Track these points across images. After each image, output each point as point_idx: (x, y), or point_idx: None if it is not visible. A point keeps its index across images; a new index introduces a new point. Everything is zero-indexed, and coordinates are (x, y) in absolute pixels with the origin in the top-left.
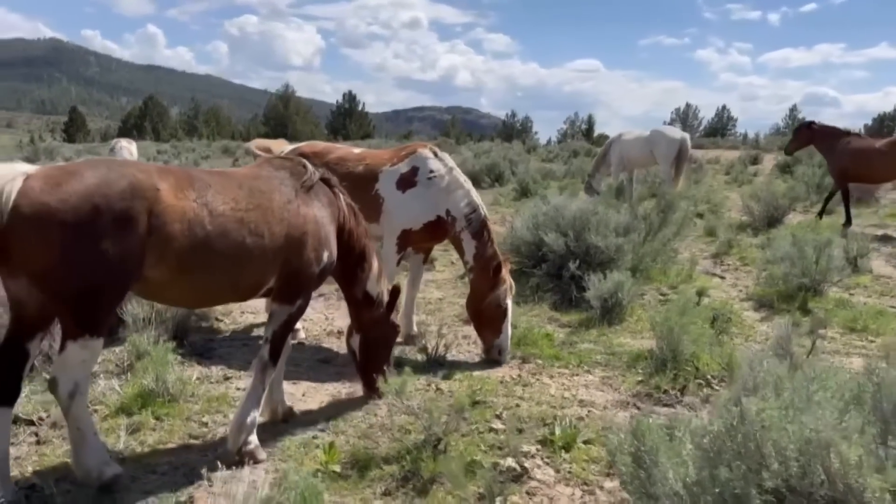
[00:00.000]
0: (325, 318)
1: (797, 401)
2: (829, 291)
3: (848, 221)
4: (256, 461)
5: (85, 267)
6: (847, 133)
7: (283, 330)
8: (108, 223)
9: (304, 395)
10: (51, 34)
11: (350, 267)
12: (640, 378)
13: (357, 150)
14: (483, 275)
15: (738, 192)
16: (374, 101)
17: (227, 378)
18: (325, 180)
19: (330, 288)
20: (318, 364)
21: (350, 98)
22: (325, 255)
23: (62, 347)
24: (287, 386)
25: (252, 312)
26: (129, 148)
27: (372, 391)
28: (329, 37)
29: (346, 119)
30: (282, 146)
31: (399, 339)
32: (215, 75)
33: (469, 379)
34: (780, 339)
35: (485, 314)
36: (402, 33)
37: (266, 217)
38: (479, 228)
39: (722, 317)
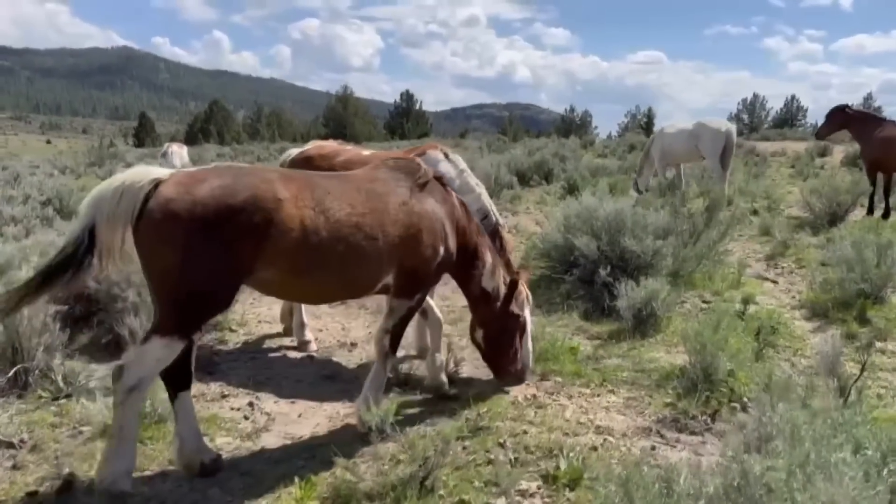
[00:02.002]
0: (342, 329)
1: (814, 458)
2: (892, 298)
3: (886, 213)
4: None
5: (201, 271)
6: (882, 120)
7: (402, 322)
8: (229, 231)
9: (300, 415)
10: (123, 42)
11: (464, 264)
12: (668, 400)
13: (366, 153)
14: None
15: (801, 186)
16: (432, 100)
17: (224, 396)
18: (438, 178)
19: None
20: (321, 380)
21: (407, 97)
22: (442, 250)
23: (146, 339)
24: (284, 405)
25: (268, 322)
26: (179, 153)
27: (505, 378)
28: (388, 37)
29: (404, 119)
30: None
31: (413, 353)
32: (279, 78)
33: (478, 399)
34: (825, 358)
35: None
36: (461, 31)
37: (381, 219)
38: (491, 236)
39: (767, 328)
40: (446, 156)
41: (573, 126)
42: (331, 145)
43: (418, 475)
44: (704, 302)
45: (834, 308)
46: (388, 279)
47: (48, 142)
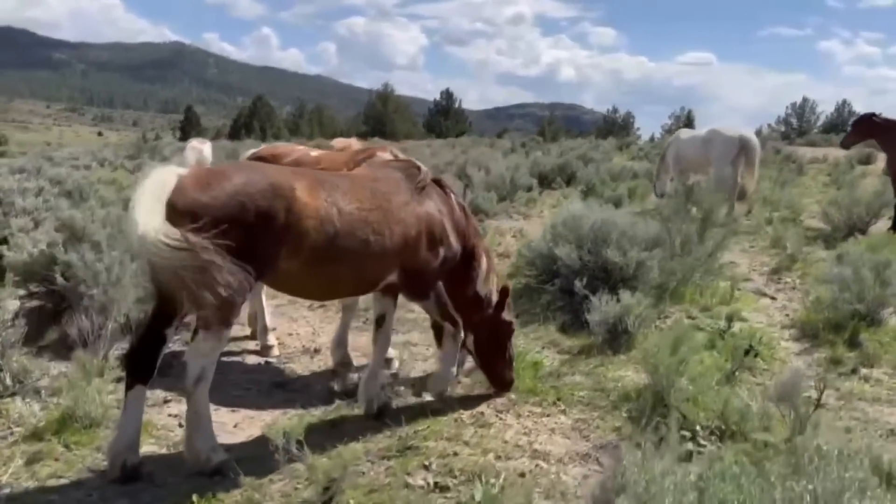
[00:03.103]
0: (313, 333)
1: None
2: (891, 321)
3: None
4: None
5: (231, 263)
6: None
7: (444, 314)
8: (252, 221)
9: (236, 425)
10: (174, 38)
11: (461, 266)
12: (618, 424)
13: (314, 153)
14: None
15: (823, 196)
16: (475, 99)
17: (166, 401)
18: (436, 181)
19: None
20: (271, 388)
21: (447, 96)
22: (442, 251)
23: (194, 335)
24: (224, 413)
25: (239, 324)
26: (199, 148)
27: (500, 386)
28: (433, 35)
29: (443, 117)
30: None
31: (332, 364)
32: (324, 75)
33: (418, 416)
34: (784, 386)
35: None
36: (506, 29)
37: (386, 217)
38: None
39: (743, 349)
40: (396, 158)
41: (615, 127)
42: (283, 146)
43: (320, 499)
44: (689, 318)
45: (825, 329)
46: (392, 277)
47: (100, 133)
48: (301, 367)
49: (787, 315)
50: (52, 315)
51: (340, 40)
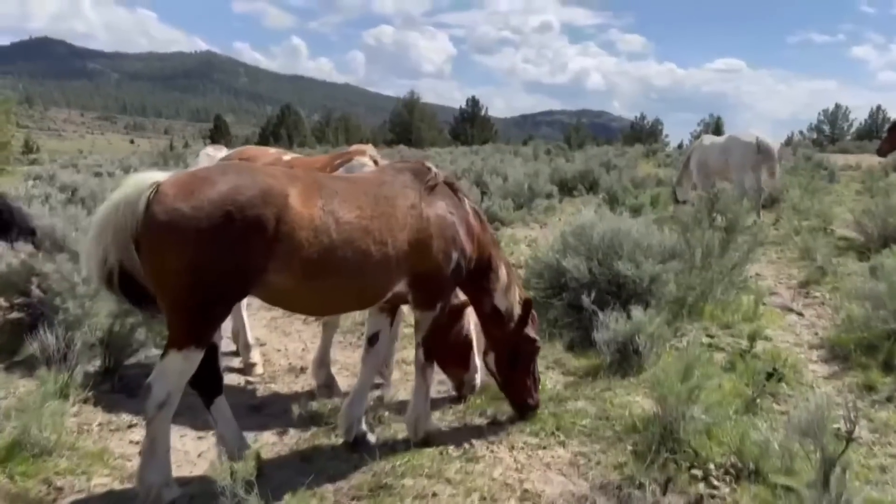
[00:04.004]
0: (302, 350)
1: None
2: None
3: None
4: (438, 443)
5: (211, 273)
6: None
7: (432, 335)
8: (237, 231)
9: (200, 455)
10: (206, 47)
11: (477, 277)
12: (622, 459)
13: (286, 157)
14: None
15: (856, 204)
16: (502, 107)
17: (130, 426)
18: (448, 183)
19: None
20: (246, 411)
21: (473, 103)
22: (455, 255)
23: (164, 355)
24: (189, 441)
25: (226, 338)
26: (213, 155)
27: (522, 411)
28: (460, 44)
29: (469, 125)
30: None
31: (314, 385)
32: (353, 84)
33: (399, 448)
34: (805, 420)
35: (447, 349)
36: (533, 38)
37: (390, 224)
38: None
39: (766, 372)
40: (375, 162)
41: (643, 134)
42: (254, 149)
43: None
44: (709, 336)
45: (857, 350)
46: (400, 287)
47: (131, 141)
48: (283, 387)
49: (816, 333)
50: (30, 329)
51: (369, 49)
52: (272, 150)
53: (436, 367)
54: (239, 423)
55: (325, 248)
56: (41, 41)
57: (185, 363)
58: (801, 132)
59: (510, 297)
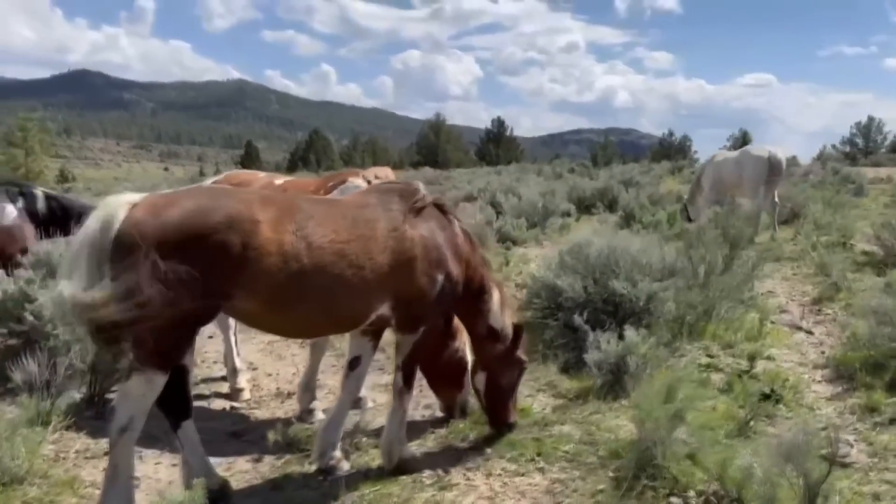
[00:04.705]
0: (294, 374)
1: None
2: None
3: None
4: (413, 470)
5: (171, 298)
6: None
7: (412, 358)
8: (200, 255)
9: (171, 482)
10: (238, 76)
11: (469, 299)
12: (601, 486)
13: (278, 181)
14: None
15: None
16: (530, 126)
17: (106, 453)
18: (437, 205)
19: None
20: (225, 438)
21: (499, 124)
22: (441, 278)
23: (127, 377)
24: (163, 468)
25: (219, 363)
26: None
27: (502, 430)
28: (486, 65)
29: (494, 145)
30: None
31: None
32: (381, 108)
33: (371, 475)
34: (788, 447)
35: (442, 370)
36: (559, 57)
37: (368, 247)
38: None
39: (764, 393)
40: (369, 183)
41: (671, 151)
42: (244, 174)
43: None
44: (709, 356)
45: (863, 370)
46: (383, 310)
47: (166, 169)
48: (267, 412)
49: (823, 353)
50: (15, 356)
51: (396, 74)
52: (262, 174)
53: (415, 391)
54: (216, 448)
55: (294, 274)
56: (80, 73)
57: (147, 386)
58: (833, 145)
59: (505, 317)
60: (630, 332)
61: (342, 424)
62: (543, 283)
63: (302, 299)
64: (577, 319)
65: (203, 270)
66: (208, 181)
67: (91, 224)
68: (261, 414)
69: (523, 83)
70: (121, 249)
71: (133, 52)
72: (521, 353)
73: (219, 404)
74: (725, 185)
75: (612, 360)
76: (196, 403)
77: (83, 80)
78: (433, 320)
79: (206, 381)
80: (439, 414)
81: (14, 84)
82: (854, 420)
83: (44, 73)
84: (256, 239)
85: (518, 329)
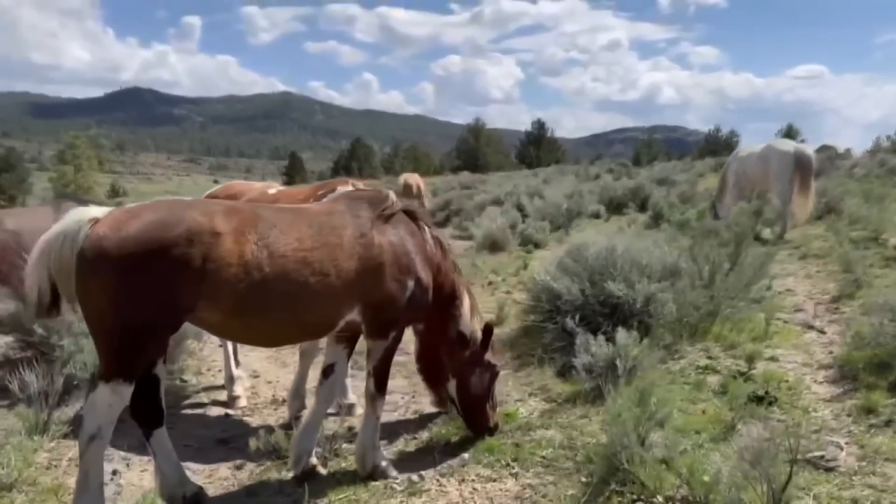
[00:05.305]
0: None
1: None
2: None
3: None
4: (388, 478)
5: (134, 311)
6: None
7: (383, 364)
8: (162, 268)
9: (152, 490)
10: (283, 88)
11: (440, 304)
12: (571, 492)
13: (271, 191)
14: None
15: None
16: (573, 127)
17: None
18: (407, 212)
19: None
20: (213, 444)
21: (539, 126)
22: (411, 284)
23: (94, 386)
24: (148, 476)
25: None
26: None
27: (482, 435)
28: (528, 67)
29: (534, 147)
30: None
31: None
32: (422, 114)
33: (344, 481)
34: (747, 450)
35: (439, 361)
36: (601, 56)
37: (333, 254)
38: None
39: (755, 394)
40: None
41: (718, 146)
42: (239, 185)
43: None
44: (709, 358)
45: (866, 370)
46: (353, 316)
47: (216, 181)
48: (259, 420)
49: (831, 352)
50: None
51: (437, 80)
52: (257, 185)
53: (407, 396)
54: (202, 455)
55: (257, 284)
56: (131, 91)
57: (113, 396)
58: (888, 136)
59: (474, 322)
60: (621, 335)
61: (317, 431)
62: (543, 286)
63: (266, 308)
64: (569, 322)
65: (164, 283)
66: (203, 194)
67: (52, 237)
68: (253, 421)
69: (565, 83)
70: (82, 263)
71: (182, 69)
72: (491, 358)
73: (215, 412)
74: (750, 180)
75: (602, 363)
76: (192, 411)
77: (135, 98)
78: (404, 326)
79: (206, 389)
80: (429, 410)
81: (71, 103)
82: (849, 422)
83: (98, 92)
84: (217, 251)
85: (487, 331)
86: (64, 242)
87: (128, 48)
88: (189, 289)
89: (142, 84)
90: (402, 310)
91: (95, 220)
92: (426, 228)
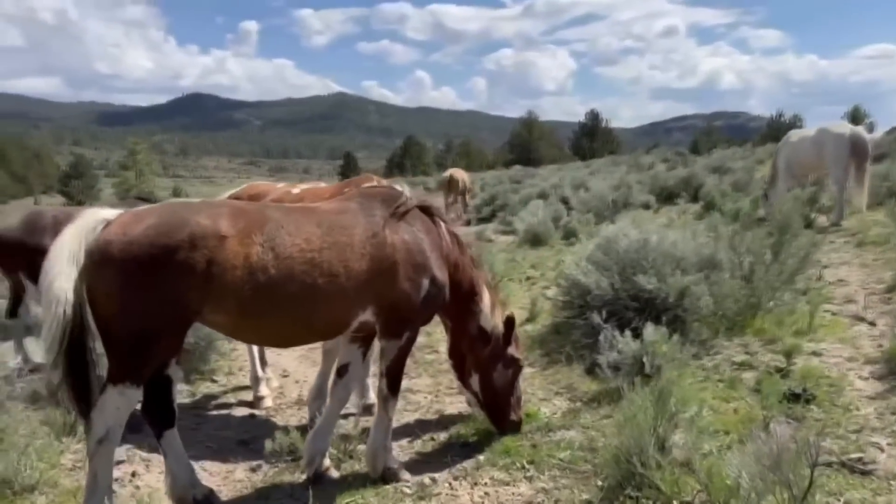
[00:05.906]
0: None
1: None
2: None
3: None
4: (399, 481)
5: (141, 314)
6: None
7: (396, 363)
8: (167, 272)
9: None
10: (338, 89)
11: (460, 301)
12: (586, 497)
13: (296, 190)
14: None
15: None
16: (630, 116)
17: (118, 462)
18: (423, 208)
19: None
20: (234, 446)
21: (593, 116)
22: (426, 283)
23: (103, 390)
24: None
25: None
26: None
27: (506, 431)
28: (581, 58)
29: (588, 138)
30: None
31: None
32: (475, 109)
33: (355, 484)
34: (766, 453)
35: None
36: (658, 43)
37: (343, 254)
38: None
39: (792, 392)
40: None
41: (781, 132)
42: (263, 185)
43: None
44: (747, 353)
45: None
46: (366, 317)
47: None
48: (282, 420)
49: (880, 346)
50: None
51: (489, 74)
52: (280, 185)
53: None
54: (221, 456)
55: (262, 286)
56: (193, 97)
57: (121, 399)
58: None
59: (496, 317)
60: (649, 330)
61: (331, 432)
62: (573, 280)
63: (273, 310)
64: (596, 317)
65: (169, 287)
66: (225, 194)
67: (66, 238)
68: (276, 422)
69: (621, 73)
70: (90, 266)
71: (240, 73)
72: (515, 352)
73: (240, 412)
74: (803, 166)
75: (629, 360)
76: (218, 412)
77: (197, 103)
78: (419, 326)
79: (235, 389)
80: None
81: (136, 111)
82: (894, 421)
83: (161, 99)
84: (221, 254)
85: (508, 324)
86: (77, 245)
87: (188, 55)
88: (194, 292)
89: (203, 90)
90: (417, 310)
91: (107, 223)
92: (441, 224)
